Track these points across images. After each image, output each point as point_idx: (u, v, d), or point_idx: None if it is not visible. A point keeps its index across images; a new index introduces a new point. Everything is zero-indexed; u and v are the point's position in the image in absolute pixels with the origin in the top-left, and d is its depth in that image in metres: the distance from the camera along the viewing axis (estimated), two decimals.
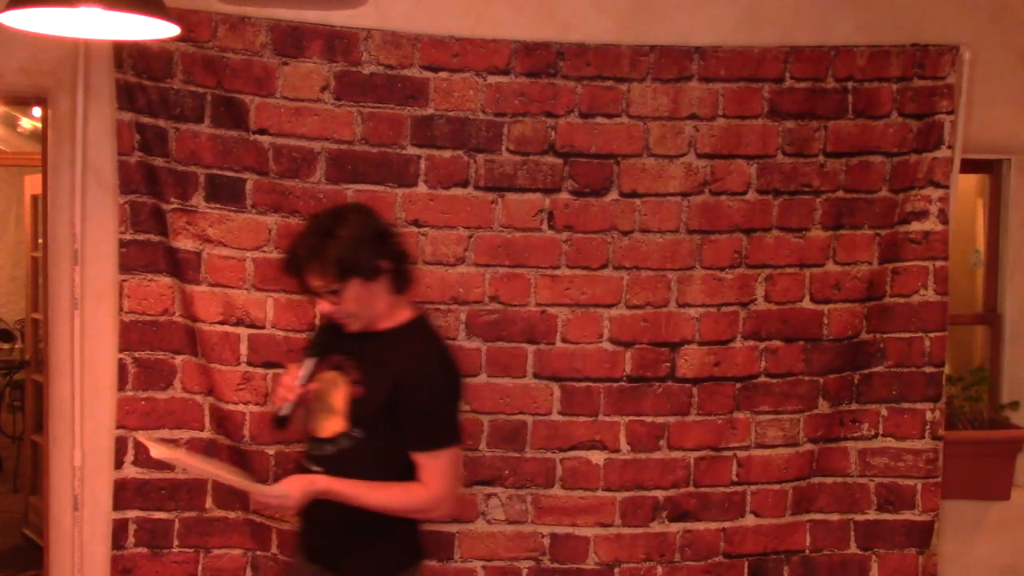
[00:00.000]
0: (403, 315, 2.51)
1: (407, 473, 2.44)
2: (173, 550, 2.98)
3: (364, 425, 2.43)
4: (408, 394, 2.41)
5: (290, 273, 2.45)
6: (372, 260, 2.41)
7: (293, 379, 2.44)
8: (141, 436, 2.75)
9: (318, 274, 2.39)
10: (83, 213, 2.94)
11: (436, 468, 2.43)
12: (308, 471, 2.48)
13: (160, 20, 2.05)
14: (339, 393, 2.47)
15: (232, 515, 2.98)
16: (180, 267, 2.92)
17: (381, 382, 2.43)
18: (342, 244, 2.37)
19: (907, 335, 3.24)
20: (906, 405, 3.26)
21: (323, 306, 2.44)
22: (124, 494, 2.95)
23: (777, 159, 3.16)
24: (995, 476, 3.51)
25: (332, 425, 2.47)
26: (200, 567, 3.00)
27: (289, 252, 2.45)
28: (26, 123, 7.31)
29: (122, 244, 2.91)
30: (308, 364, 2.47)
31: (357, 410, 2.44)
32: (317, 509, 2.43)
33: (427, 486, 2.43)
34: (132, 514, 2.96)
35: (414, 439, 2.43)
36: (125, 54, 2.85)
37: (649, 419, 3.17)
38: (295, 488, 2.39)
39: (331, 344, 2.51)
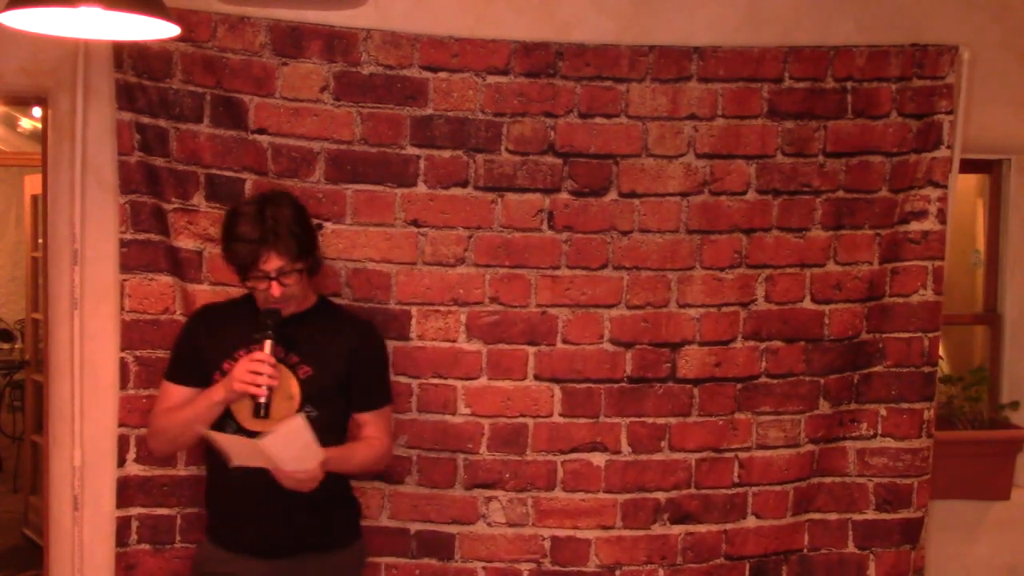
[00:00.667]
0: (312, 297, 2.66)
1: (344, 439, 2.65)
2: (175, 545, 2.97)
3: (317, 402, 2.53)
4: (367, 359, 2.66)
5: (243, 257, 2.44)
6: (315, 240, 2.57)
7: (264, 364, 2.42)
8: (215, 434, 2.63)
9: (282, 254, 2.44)
10: (83, 213, 2.94)
11: (384, 424, 2.72)
12: (236, 470, 2.45)
13: (160, 20, 2.05)
14: (282, 378, 2.50)
15: None
16: (182, 266, 2.92)
17: (329, 357, 2.56)
18: (299, 224, 2.48)
19: (906, 335, 3.24)
20: (905, 405, 3.25)
21: (274, 290, 2.46)
22: (127, 491, 2.94)
23: (777, 159, 3.16)
24: (995, 476, 3.51)
25: (279, 411, 2.47)
26: None
27: (244, 234, 2.43)
28: (26, 123, 7.32)
29: (123, 244, 2.90)
30: (269, 346, 2.46)
31: (310, 389, 2.53)
32: (297, 494, 2.44)
33: (380, 440, 2.67)
34: (135, 511, 2.95)
35: (367, 400, 2.66)
36: (125, 54, 2.84)
37: (650, 420, 3.16)
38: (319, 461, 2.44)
39: (239, 336, 2.54)
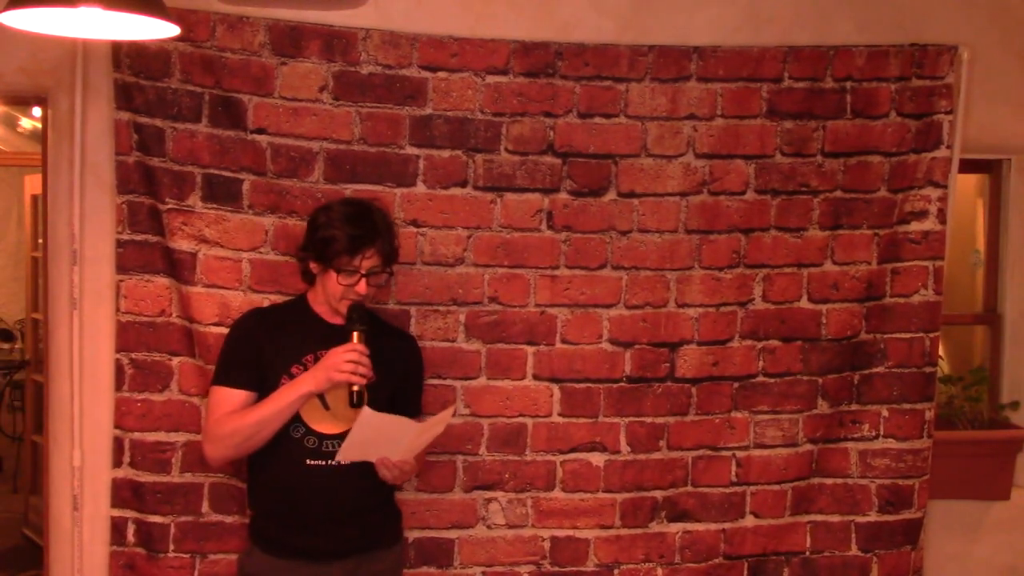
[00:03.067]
0: None
1: None
2: (169, 555, 2.94)
3: (376, 406, 2.52)
4: (416, 370, 2.76)
5: (343, 248, 2.47)
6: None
7: (361, 355, 2.44)
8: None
9: (385, 254, 2.53)
10: (82, 213, 2.94)
11: None
12: (306, 473, 2.50)
13: (160, 20, 2.05)
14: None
15: (229, 519, 2.96)
16: (176, 268, 2.91)
17: (388, 365, 2.59)
18: (393, 230, 2.59)
19: (907, 335, 3.24)
20: (907, 406, 3.25)
21: (361, 286, 2.51)
22: (122, 493, 2.94)
23: (775, 159, 3.16)
24: (995, 476, 3.51)
25: (344, 415, 2.48)
26: (196, 572, 2.95)
27: (348, 227, 2.47)
28: (26, 123, 7.32)
29: (119, 244, 2.90)
30: (359, 338, 2.48)
31: (374, 393, 2.53)
32: (363, 494, 2.54)
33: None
34: (131, 514, 2.94)
35: (411, 409, 2.69)
36: (123, 53, 2.84)
37: (649, 420, 3.16)
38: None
39: (303, 341, 2.57)
